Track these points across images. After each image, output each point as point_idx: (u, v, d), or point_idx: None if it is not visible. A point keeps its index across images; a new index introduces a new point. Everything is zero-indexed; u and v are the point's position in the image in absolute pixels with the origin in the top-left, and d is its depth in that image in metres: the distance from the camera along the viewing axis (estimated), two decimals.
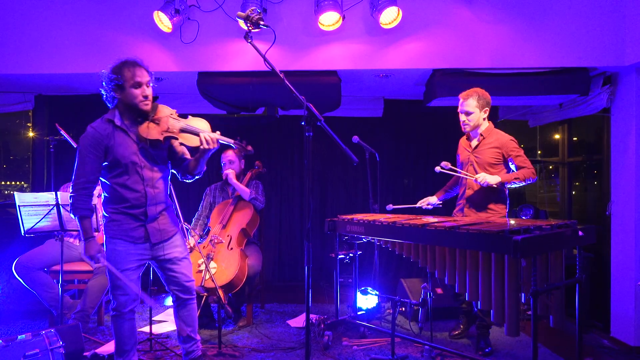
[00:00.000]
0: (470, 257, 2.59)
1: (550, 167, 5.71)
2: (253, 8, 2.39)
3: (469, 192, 3.53)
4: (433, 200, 3.79)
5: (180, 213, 3.87)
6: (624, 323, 3.76)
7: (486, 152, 3.46)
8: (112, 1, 4.00)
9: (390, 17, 3.75)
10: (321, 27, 3.84)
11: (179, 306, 2.93)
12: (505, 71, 3.95)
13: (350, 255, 3.99)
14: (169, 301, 4.79)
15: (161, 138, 2.69)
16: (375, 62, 3.97)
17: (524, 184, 3.36)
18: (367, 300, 4.00)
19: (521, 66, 3.89)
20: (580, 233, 2.43)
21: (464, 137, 3.70)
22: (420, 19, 3.91)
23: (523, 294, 2.46)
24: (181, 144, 2.79)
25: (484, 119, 3.51)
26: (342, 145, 2.21)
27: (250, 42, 2.38)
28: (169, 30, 3.88)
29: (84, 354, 2.78)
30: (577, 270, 2.59)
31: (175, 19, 3.82)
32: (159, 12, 3.78)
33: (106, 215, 2.76)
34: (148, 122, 2.71)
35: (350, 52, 3.97)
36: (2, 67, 4.02)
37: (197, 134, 2.74)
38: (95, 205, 3.30)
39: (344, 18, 3.82)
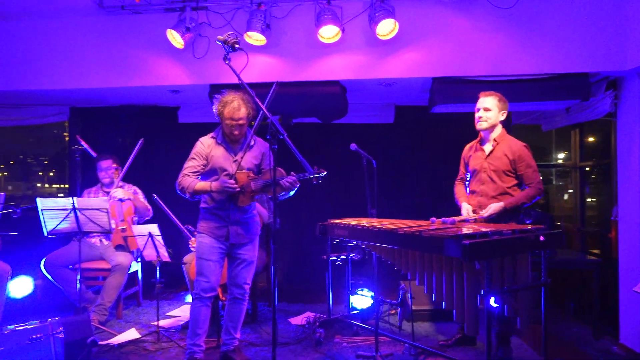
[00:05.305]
0: (436, 260, 2.72)
1: (568, 170, 5.64)
2: (230, 33, 2.65)
3: (482, 200, 3.40)
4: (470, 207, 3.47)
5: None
6: (632, 329, 3.70)
7: (501, 159, 3.37)
8: (131, 22, 4.36)
9: (387, 28, 3.89)
10: (321, 39, 4.03)
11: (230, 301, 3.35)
12: (502, 78, 3.98)
13: (342, 257, 4.16)
14: (189, 298, 5.10)
15: (251, 201, 3.21)
16: (375, 71, 4.11)
17: (529, 204, 3.32)
18: (362, 301, 4.17)
19: (519, 73, 3.92)
20: (541, 238, 2.50)
21: (471, 144, 3.64)
22: (418, 29, 4.02)
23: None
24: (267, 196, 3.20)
25: (500, 122, 3.47)
26: (300, 156, 2.42)
27: (227, 64, 2.63)
28: (181, 47, 4.17)
29: (87, 340, 3.11)
30: (542, 274, 2.66)
31: (186, 36, 4.11)
32: (172, 30, 4.09)
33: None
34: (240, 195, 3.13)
35: (351, 62, 4.13)
36: (39, 83, 4.48)
37: (277, 184, 3.06)
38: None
39: (343, 31, 4.00)
